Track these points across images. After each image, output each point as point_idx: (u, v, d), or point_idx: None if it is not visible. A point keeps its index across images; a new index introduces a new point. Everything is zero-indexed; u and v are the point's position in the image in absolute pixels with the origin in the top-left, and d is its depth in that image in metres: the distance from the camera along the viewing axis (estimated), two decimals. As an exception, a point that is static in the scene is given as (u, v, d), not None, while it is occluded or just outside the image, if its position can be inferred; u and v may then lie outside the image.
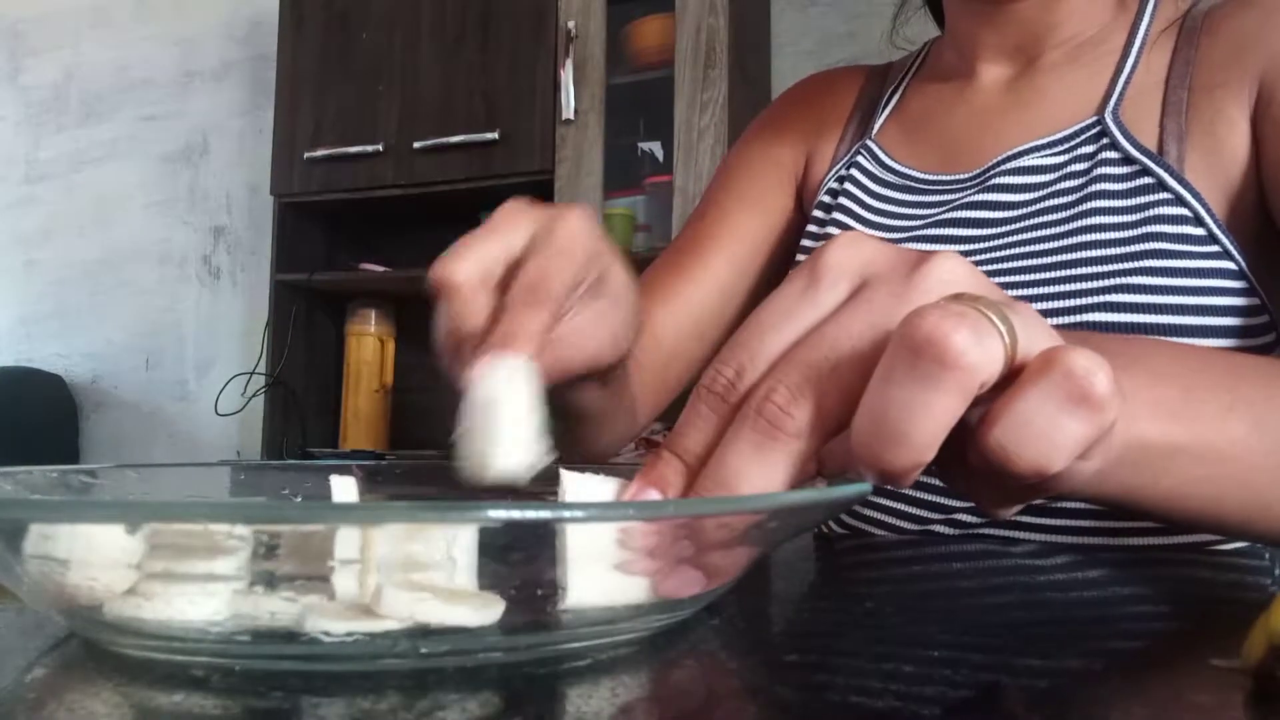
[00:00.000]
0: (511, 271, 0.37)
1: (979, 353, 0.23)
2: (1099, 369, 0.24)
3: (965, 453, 0.26)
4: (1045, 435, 0.24)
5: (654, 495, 0.27)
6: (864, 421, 0.25)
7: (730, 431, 0.26)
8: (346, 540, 0.22)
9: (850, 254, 0.27)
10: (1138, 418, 0.32)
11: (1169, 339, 0.53)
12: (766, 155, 0.78)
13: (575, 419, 0.52)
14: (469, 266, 0.36)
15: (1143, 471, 0.34)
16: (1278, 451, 0.37)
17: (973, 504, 0.60)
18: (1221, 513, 0.38)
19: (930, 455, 0.24)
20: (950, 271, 0.26)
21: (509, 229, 0.37)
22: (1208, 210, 0.56)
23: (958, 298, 0.25)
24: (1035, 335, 0.25)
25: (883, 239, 0.69)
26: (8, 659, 0.25)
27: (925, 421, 0.24)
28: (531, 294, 0.35)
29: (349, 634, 0.21)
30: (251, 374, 2.35)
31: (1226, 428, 0.36)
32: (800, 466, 0.26)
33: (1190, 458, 0.35)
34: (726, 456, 0.26)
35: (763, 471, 0.25)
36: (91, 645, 0.24)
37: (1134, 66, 0.63)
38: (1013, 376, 0.25)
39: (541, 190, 1.98)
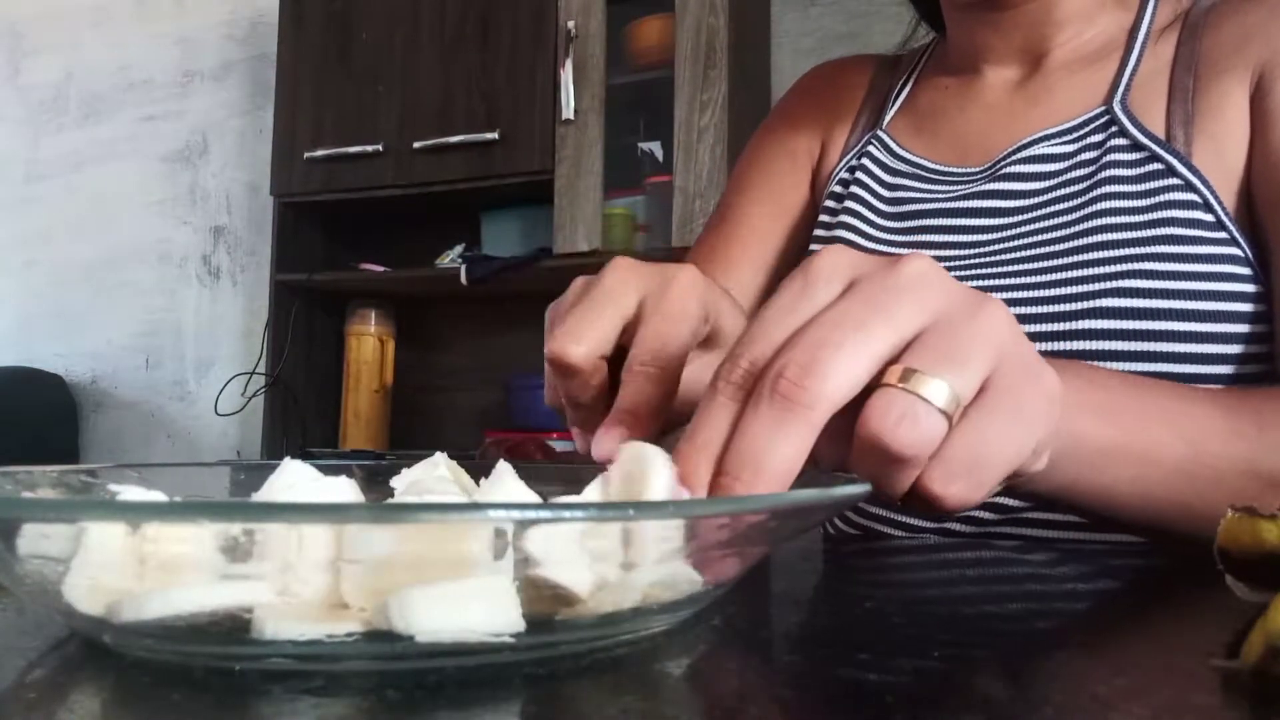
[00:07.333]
0: (627, 333, 0.38)
1: (921, 444, 0.28)
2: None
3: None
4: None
5: (684, 494, 0.27)
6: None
7: (748, 412, 0.28)
8: (352, 541, 0.22)
9: (837, 259, 0.30)
10: (1078, 417, 0.37)
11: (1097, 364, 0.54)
12: (782, 150, 0.78)
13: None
14: (586, 348, 0.37)
15: (1083, 465, 0.38)
16: (1194, 459, 0.42)
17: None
18: (1148, 511, 0.42)
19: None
20: (920, 270, 0.29)
21: (620, 295, 0.38)
22: (1216, 198, 0.57)
23: (909, 374, 0.28)
24: (976, 367, 0.29)
25: (895, 227, 0.69)
26: (8, 659, 0.25)
27: (895, 487, 0.29)
28: (651, 364, 0.36)
29: (349, 634, 0.21)
30: (251, 374, 2.34)
31: (1151, 432, 0.41)
32: (814, 436, 0.28)
33: (1122, 456, 0.40)
34: (748, 434, 0.28)
35: (784, 443, 0.27)
36: (91, 645, 0.24)
37: (1139, 58, 0.64)
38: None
39: (541, 190, 1.98)
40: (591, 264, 1.87)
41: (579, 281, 0.40)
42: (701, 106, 1.86)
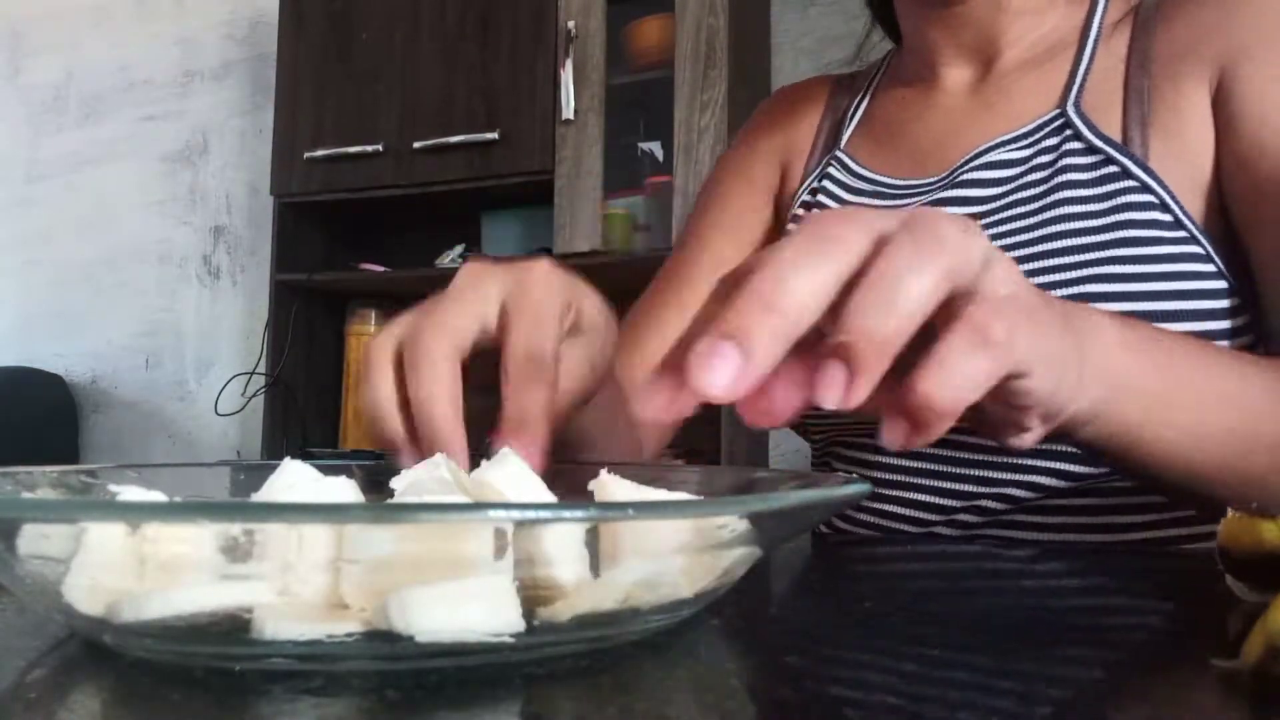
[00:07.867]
0: (487, 339, 0.38)
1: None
2: (996, 317, 0.29)
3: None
4: (957, 373, 0.28)
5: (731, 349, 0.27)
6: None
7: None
8: (352, 541, 0.22)
9: (848, 216, 0.30)
10: (1111, 354, 0.38)
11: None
12: (741, 178, 0.79)
13: (575, 445, 0.51)
14: (451, 341, 0.37)
15: (1132, 406, 0.40)
16: (1241, 395, 0.44)
17: (972, 500, 0.60)
18: (1206, 462, 0.43)
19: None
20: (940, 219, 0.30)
21: (476, 295, 0.38)
22: (1173, 198, 0.57)
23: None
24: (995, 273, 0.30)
25: None
26: (8, 659, 0.25)
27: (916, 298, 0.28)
28: (530, 368, 0.37)
29: (349, 634, 0.21)
30: (251, 374, 2.34)
31: (1191, 376, 0.43)
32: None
33: (1164, 399, 0.41)
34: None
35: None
36: (91, 645, 0.24)
37: (1091, 58, 0.63)
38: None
39: (541, 190, 1.98)
40: (592, 264, 1.87)
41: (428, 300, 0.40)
42: (701, 106, 1.86)
